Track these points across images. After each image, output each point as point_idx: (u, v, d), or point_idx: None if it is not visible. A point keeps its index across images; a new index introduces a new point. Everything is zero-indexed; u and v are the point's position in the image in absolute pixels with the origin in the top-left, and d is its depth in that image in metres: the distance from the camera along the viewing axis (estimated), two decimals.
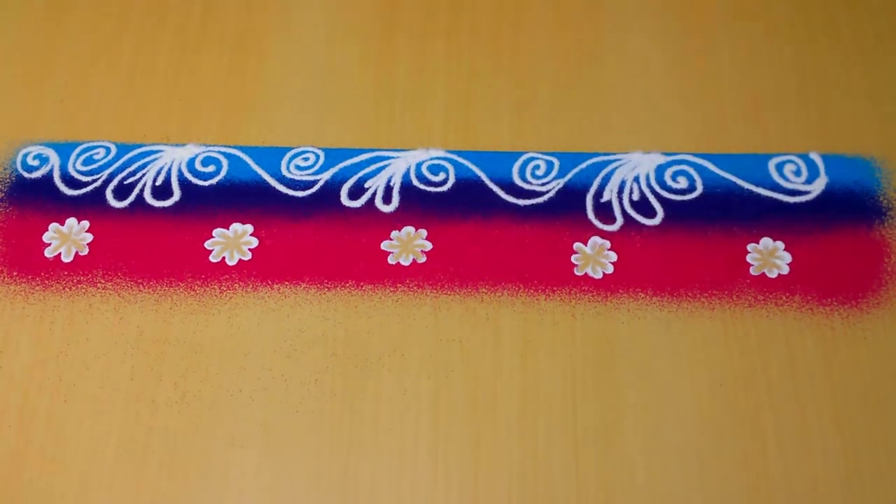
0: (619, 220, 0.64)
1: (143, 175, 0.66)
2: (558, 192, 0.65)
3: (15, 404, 0.58)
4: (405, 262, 0.63)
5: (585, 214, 0.64)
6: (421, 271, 0.62)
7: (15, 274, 0.63)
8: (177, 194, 0.66)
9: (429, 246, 0.63)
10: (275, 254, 0.63)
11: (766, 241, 0.63)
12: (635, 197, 0.65)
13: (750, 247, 0.63)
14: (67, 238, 0.64)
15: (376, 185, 0.66)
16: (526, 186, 0.65)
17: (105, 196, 0.66)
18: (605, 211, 0.64)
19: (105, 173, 0.67)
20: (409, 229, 0.64)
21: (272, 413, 0.58)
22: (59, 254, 0.63)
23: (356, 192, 0.65)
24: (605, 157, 0.66)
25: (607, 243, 0.63)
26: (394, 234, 0.64)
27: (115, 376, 0.59)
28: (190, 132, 0.68)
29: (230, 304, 0.61)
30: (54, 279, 0.62)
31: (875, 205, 0.64)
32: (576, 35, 0.72)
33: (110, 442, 0.57)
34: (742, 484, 0.55)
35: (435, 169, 0.66)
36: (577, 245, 0.63)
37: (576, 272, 0.62)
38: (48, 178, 0.67)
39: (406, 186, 0.66)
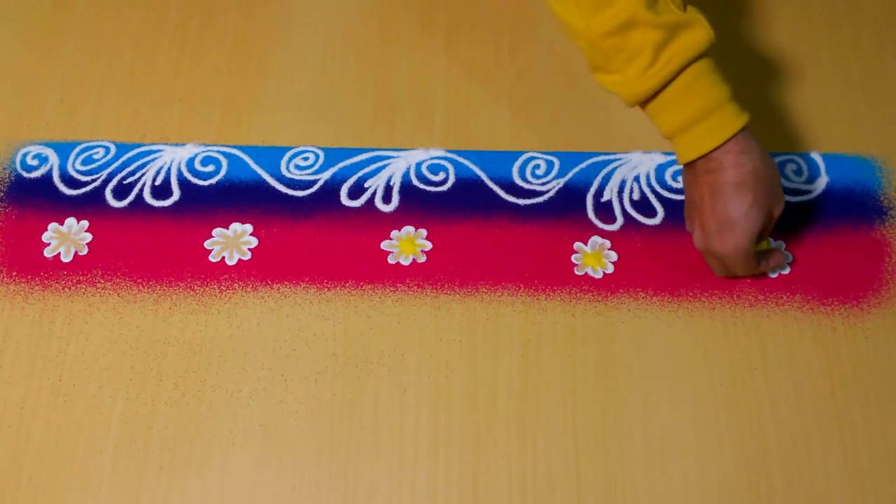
0: (620, 220, 0.64)
1: (143, 175, 0.66)
2: (558, 191, 0.65)
3: (15, 404, 0.58)
4: (405, 262, 0.63)
5: (586, 214, 0.64)
6: (421, 271, 0.62)
7: (14, 274, 0.63)
8: (176, 194, 0.66)
9: (429, 246, 0.63)
10: (274, 254, 0.63)
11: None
12: (636, 196, 0.65)
13: None
14: (67, 238, 0.64)
15: (376, 184, 0.66)
16: (526, 186, 0.65)
17: (104, 196, 0.66)
18: (605, 210, 0.64)
19: (104, 173, 0.67)
20: (409, 229, 0.64)
21: (272, 413, 0.58)
22: (59, 253, 0.63)
23: (356, 192, 0.65)
24: (605, 157, 0.66)
25: (607, 243, 0.63)
26: (394, 233, 0.64)
27: (115, 376, 0.59)
28: (189, 132, 0.68)
29: (230, 304, 0.61)
30: (54, 279, 0.62)
31: (875, 204, 0.64)
32: None
33: (110, 442, 0.57)
34: (742, 484, 0.55)
35: (435, 168, 0.66)
36: (577, 244, 0.63)
37: (576, 272, 0.62)
38: (47, 177, 0.67)
39: (406, 186, 0.65)
